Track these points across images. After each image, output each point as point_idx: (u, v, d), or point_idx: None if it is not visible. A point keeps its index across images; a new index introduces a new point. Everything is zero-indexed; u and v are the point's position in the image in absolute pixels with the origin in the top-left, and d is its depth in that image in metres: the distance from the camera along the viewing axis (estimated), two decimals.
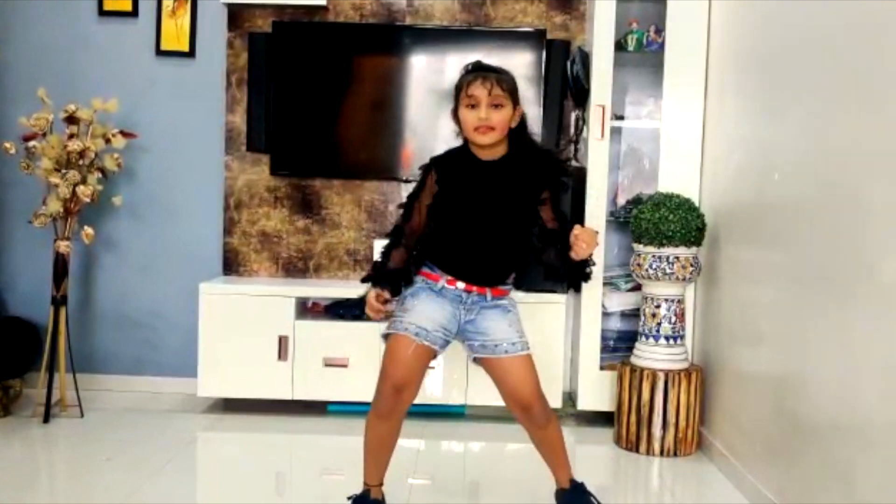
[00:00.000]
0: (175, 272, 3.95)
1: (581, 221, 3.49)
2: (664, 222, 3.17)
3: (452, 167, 2.36)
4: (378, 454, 2.44)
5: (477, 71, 2.32)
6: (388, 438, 2.42)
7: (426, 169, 2.38)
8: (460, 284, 2.34)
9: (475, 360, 2.41)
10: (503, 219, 2.33)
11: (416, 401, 3.64)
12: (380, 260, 2.41)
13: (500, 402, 3.56)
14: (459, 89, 2.32)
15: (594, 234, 2.26)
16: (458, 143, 2.42)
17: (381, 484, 2.46)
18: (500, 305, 2.39)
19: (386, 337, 2.38)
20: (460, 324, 2.37)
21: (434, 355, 2.37)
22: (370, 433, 2.42)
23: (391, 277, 2.36)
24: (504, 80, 2.30)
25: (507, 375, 2.37)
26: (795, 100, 2.60)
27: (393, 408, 2.36)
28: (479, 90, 2.27)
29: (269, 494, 2.90)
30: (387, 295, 2.34)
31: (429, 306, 2.34)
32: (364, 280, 2.42)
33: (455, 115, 2.35)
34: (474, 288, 2.35)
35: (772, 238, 2.74)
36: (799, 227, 2.51)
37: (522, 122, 2.36)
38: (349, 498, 2.46)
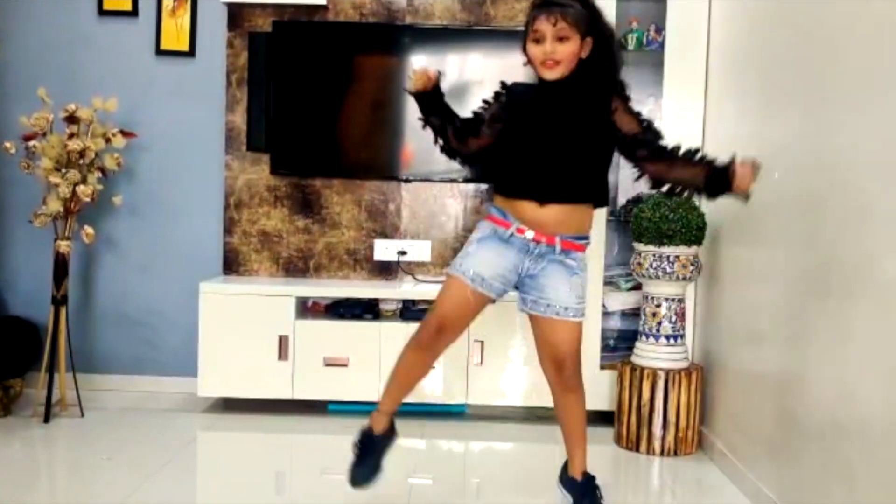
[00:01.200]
0: (175, 272, 3.95)
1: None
2: (664, 221, 3.17)
3: (525, 90, 2.37)
4: (402, 383, 2.46)
5: (542, 6, 2.27)
6: (417, 371, 2.46)
7: (498, 91, 2.41)
8: (529, 234, 2.31)
9: (522, 310, 2.41)
10: (574, 133, 2.30)
11: (416, 400, 3.65)
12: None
13: (501, 402, 3.59)
14: (527, 25, 2.30)
15: (753, 170, 2.22)
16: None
17: (392, 414, 2.50)
18: (568, 265, 2.35)
19: (446, 275, 2.41)
20: (521, 275, 2.36)
21: (489, 301, 2.38)
22: (402, 360, 2.44)
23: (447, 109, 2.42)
24: (569, 13, 2.24)
25: (548, 333, 2.38)
26: (795, 99, 2.60)
27: (430, 343, 2.39)
28: (543, 24, 2.24)
29: (268, 494, 2.90)
30: (433, 74, 2.36)
31: (492, 252, 2.33)
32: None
33: (524, 50, 2.33)
34: (543, 238, 2.31)
35: (772, 237, 2.74)
36: (799, 226, 2.51)
37: (600, 49, 2.29)
38: (354, 444, 2.50)
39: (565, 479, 2.56)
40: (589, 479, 2.52)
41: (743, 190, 2.23)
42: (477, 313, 2.41)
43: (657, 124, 2.38)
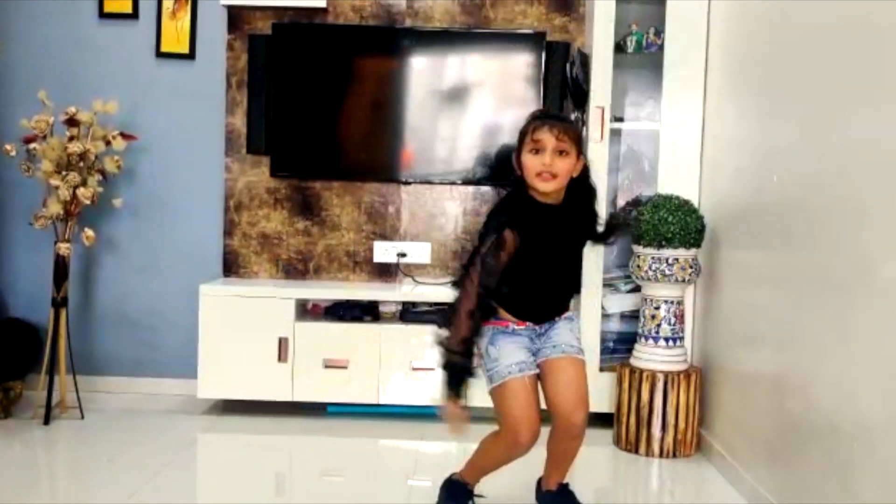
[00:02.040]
0: (175, 274, 3.95)
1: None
2: (663, 224, 3.18)
3: (526, 220, 2.31)
4: (490, 473, 2.52)
5: (544, 118, 2.32)
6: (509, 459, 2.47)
7: (501, 228, 2.28)
8: (529, 322, 2.40)
9: (534, 372, 2.39)
10: (566, 261, 2.44)
11: (416, 402, 3.66)
12: (465, 336, 2.29)
13: None
14: (524, 134, 2.31)
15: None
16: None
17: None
18: (566, 317, 2.46)
19: (494, 391, 2.38)
20: (534, 352, 2.42)
21: (537, 378, 2.41)
22: (496, 464, 2.48)
23: (465, 370, 2.30)
24: (571, 129, 2.31)
25: (560, 374, 2.38)
26: (794, 102, 2.60)
27: (530, 445, 2.36)
28: (545, 135, 2.26)
29: (268, 495, 2.91)
30: (463, 403, 2.31)
31: (509, 344, 2.37)
32: (451, 351, 2.29)
33: (518, 159, 2.33)
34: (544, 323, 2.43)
35: (771, 239, 2.74)
36: (798, 228, 2.52)
37: (584, 171, 2.36)
38: (450, 481, 2.57)
39: (539, 493, 2.56)
40: (565, 487, 2.53)
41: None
42: (537, 394, 2.41)
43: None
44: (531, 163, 2.28)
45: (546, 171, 2.26)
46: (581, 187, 2.37)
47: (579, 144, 2.31)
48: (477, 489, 2.57)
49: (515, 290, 2.35)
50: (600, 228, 2.47)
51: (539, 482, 2.59)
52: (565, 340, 2.41)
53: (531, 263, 2.32)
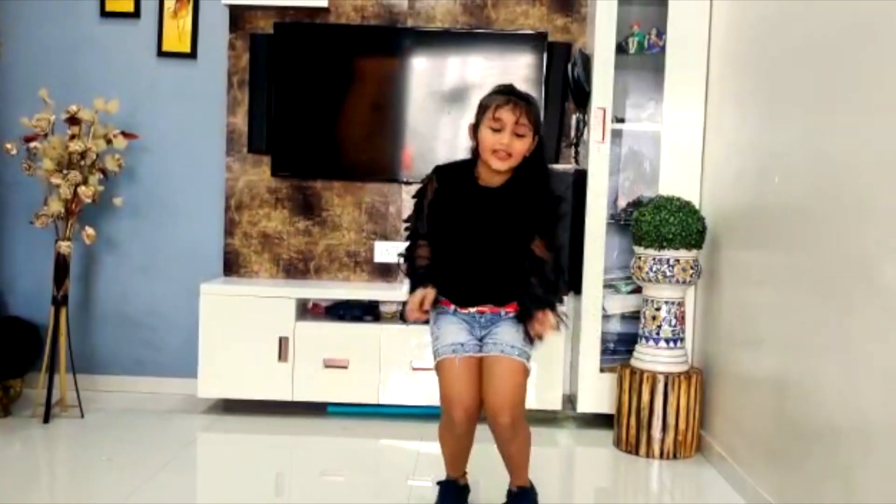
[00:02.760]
0: (176, 273, 3.95)
1: (582, 224, 3.50)
2: (664, 225, 3.18)
3: (453, 182, 2.40)
4: (458, 459, 2.53)
5: (508, 95, 2.31)
6: (467, 447, 2.50)
7: (428, 177, 2.44)
8: (472, 308, 2.40)
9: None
10: (496, 245, 2.37)
11: (416, 402, 3.66)
12: (411, 258, 2.44)
13: None
14: (486, 108, 2.32)
15: (549, 325, 2.32)
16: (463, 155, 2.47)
17: (465, 473, 2.58)
18: (513, 317, 2.41)
19: (435, 368, 2.43)
20: (479, 339, 2.42)
21: (479, 362, 2.40)
22: (448, 448, 2.50)
23: (430, 276, 2.39)
24: (532, 111, 2.32)
25: (491, 374, 2.36)
26: (796, 103, 2.60)
27: (468, 427, 2.40)
28: (506, 115, 2.27)
29: (268, 495, 2.90)
30: (432, 296, 2.35)
31: (451, 325, 2.41)
32: (412, 277, 2.42)
33: (474, 131, 2.35)
34: (487, 309, 2.40)
35: (772, 241, 2.74)
36: (799, 230, 2.52)
37: (538, 149, 2.37)
38: (438, 483, 2.58)
39: (508, 493, 2.55)
40: (522, 490, 2.50)
41: (537, 333, 2.35)
42: (478, 375, 2.40)
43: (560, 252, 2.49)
44: (489, 140, 2.29)
45: (503, 150, 2.28)
46: (532, 165, 2.36)
47: (538, 125, 2.33)
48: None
49: (439, 257, 2.39)
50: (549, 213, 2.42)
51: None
52: (506, 340, 2.38)
53: (453, 234, 2.37)
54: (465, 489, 2.59)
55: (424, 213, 2.41)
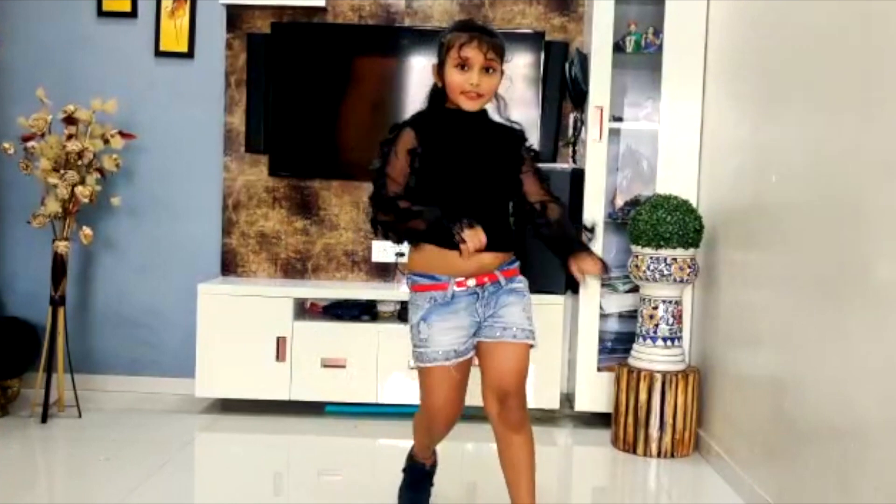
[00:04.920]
0: (173, 273, 3.95)
1: (578, 223, 3.50)
2: (662, 224, 3.18)
3: (432, 124, 2.17)
4: (430, 448, 2.47)
5: (471, 31, 2.13)
6: (438, 437, 2.42)
7: (398, 131, 2.15)
8: (471, 282, 2.14)
9: (473, 347, 2.21)
10: (493, 172, 2.18)
11: (415, 401, 3.64)
12: (396, 208, 2.10)
13: None
14: (449, 47, 2.13)
15: (596, 266, 2.13)
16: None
17: (434, 452, 2.50)
18: (517, 290, 2.20)
19: (419, 369, 2.23)
20: (481, 321, 2.19)
21: (472, 360, 2.23)
22: (421, 441, 2.43)
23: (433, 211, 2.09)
24: (499, 45, 2.14)
25: (497, 357, 2.17)
26: (793, 102, 2.60)
27: (446, 432, 2.34)
28: (472, 52, 2.10)
29: (266, 495, 2.90)
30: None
31: (445, 324, 2.15)
32: (412, 215, 2.09)
33: (440, 72, 2.17)
34: (486, 279, 2.15)
35: (769, 240, 2.75)
36: (796, 229, 2.52)
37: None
38: (404, 470, 2.51)
39: None
40: None
41: (585, 271, 2.13)
42: (468, 376, 2.25)
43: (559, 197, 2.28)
44: (457, 80, 2.12)
45: (473, 91, 2.12)
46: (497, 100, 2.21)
47: (504, 60, 2.17)
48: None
49: (437, 201, 2.09)
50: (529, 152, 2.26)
51: None
52: (515, 322, 2.17)
53: (449, 172, 2.13)
54: (433, 470, 2.51)
55: (404, 163, 2.12)
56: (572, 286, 2.25)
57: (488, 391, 2.20)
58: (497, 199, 2.20)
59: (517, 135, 2.25)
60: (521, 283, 2.24)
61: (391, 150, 2.14)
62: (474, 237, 2.01)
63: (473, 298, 2.17)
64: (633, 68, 3.74)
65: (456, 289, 2.15)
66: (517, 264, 2.25)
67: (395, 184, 2.12)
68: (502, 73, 2.18)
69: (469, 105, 2.14)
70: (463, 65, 2.11)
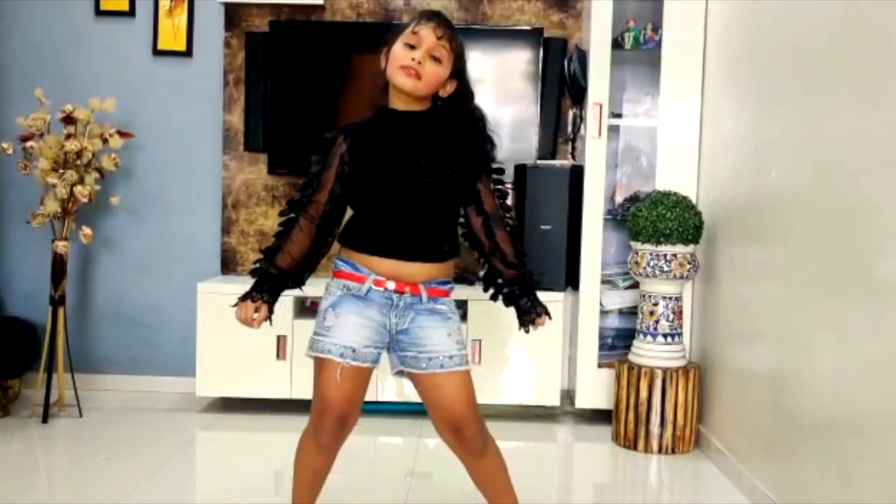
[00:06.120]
0: (173, 271, 3.95)
1: (578, 219, 3.50)
2: (661, 220, 3.18)
3: (365, 129, 2.09)
4: (312, 486, 2.22)
5: (432, 17, 2.04)
6: (325, 470, 2.19)
7: (332, 139, 2.10)
8: (390, 284, 2.00)
9: (399, 371, 2.09)
10: (434, 177, 2.01)
11: (416, 400, 3.65)
12: (272, 249, 2.08)
13: (498, 401, 3.59)
14: (404, 29, 2.06)
15: (542, 321, 2.11)
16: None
17: None
18: (439, 311, 2.05)
19: (313, 359, 2.06)
20: (392, 333, 2.04)
21: (370, 371, 2.05)
22: (305, 462, 2.18)
23: (280, 280, 2.08)
24: (455, 39, 2.04)
25: (437, 392, 2.04)
26: (792, 98, 2.60)
27: (335, 439, 2.09)
28: (426, 33, 2.01)
29: (267, 494, 2.90)
30: (265, 312, 2.06)
31: (352, 316, 2.01)
32: (253, 273, 2.10)
33: (388, 48, 2.08)
34: (407, 288, 2.01)
35: (769, 235, 2.74)
36: (796, 224, 2.52)
37: (461, 96, 2.08)
38: None
39: None
40: None
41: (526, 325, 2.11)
42: (365, 386, 2.07)
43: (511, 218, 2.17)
44: (400, 55, 2.02)
45: (412, 67, 2.00)
46: (457, 112, 2.07)
47: (458, 62, 2.04)
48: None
49: (364, 206, 2.05)
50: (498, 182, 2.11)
51: None
52: (440, 350, 2.02)
53: (378, 177, 2.02)
54: None
55: (320, 179, 2.07)
56: (525, 327, 2.16)
57: (440, 426, 2.09)
58: (437, 207, 2.04)
59: (479, 142, 2.07)
60: (446, 304, 2.08)
61: (324, 157, 2.10)
62: (239, 310, 2.06)
63: (388, 303, 2.03)
64: (632, 64, 3.73)
65: (373, 286, 2.02)
66: (449, 287, 2.10)
67: (315, 195, 2.09)
68: (452, 77, 2.05)
69: (403, 81, 2.02)
70: (413, 45, 2.02)
